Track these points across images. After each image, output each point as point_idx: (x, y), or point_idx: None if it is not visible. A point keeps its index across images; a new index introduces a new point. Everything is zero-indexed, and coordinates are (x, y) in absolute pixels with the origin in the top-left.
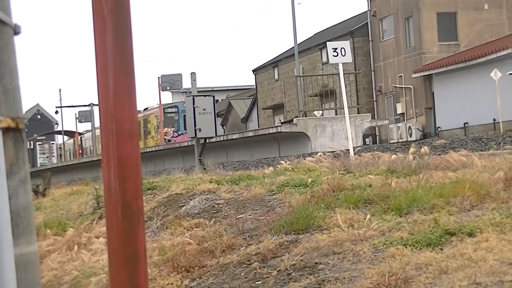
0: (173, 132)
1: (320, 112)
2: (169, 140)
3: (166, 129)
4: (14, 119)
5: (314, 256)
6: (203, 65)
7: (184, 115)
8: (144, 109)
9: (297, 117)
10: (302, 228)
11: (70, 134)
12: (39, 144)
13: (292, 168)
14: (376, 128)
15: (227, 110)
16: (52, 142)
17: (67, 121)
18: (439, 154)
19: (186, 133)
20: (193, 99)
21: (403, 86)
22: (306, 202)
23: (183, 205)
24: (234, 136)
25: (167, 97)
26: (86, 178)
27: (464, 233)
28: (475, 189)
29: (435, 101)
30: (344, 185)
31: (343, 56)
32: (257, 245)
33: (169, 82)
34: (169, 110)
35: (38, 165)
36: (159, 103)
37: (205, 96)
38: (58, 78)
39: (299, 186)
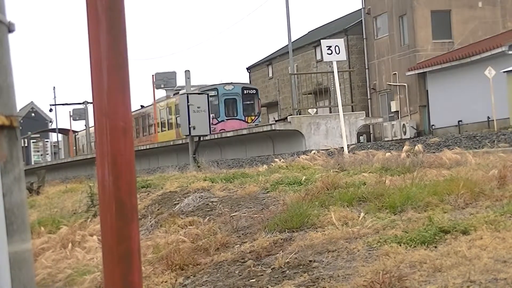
0: (213, 118)
1: (314, 110)
2: None
3: None
4: (8, 117)
5: (308, 254)
6: (197, 63)
7: (225, 99)
8: (174, 94)
9: (291, 115)
10: (296, 226)
11: (64, 132)
12: (33, 142)
13: (286, 166)
14: (370, 126)
15: None
16: (46, 140)
17: (61, 119)
18: (433, 152)
19: (227, 119)
20: (187, 97)
21: (397, 84)
22: (300, 200)
23: (177, 203)
24: (228, 134)
25: (161, 95)
26: (81, 176)
27: (458, 231)
28: (469, 187)
29: (429, 99)
30: (338, 183)
31: (337, 54)
32: (251, 243)
33: (163, 80)
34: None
35: (32, 163)
36: (153, 100)
37: (199, 94)
38: (52, 76)
39: (293, 184)
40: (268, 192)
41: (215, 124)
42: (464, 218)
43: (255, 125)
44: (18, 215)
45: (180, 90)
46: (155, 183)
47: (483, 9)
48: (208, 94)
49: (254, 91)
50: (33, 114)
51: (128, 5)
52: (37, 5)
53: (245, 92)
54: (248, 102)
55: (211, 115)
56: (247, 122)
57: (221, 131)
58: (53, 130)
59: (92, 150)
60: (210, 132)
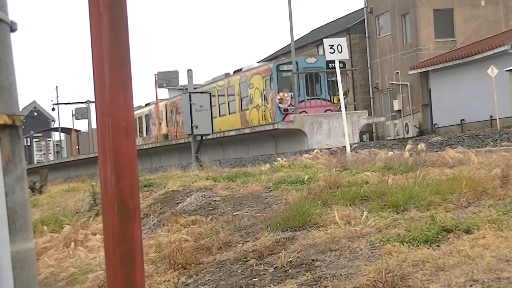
0: (291, 98)
1: None
2: (286, 110)
3: (281, 94)
4: (10, 116)
5: (310, 253)
6: (200, 62)
7: (307, 75)
8: (236, 71)
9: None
10: (298, 225)
11: (67, 131)
12: (35, 141)
13: (289, 165)
14: (373, 125)
15: None
16: (48, 139)
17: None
18: (436, 151)
19: (309, 99)
20: (190, 96)
21: (400, 83)
22: (303, 199)
23: (180, 202)
24: (231, 133)
25: (164, 94)
26: (83, 175)
27: (461, 230)
28: (472, 186)
29: (432, 98)
30: (340, 182)
31: (340, 53)
32: (253, 242)
33: (165, 79)
34: (285, 67)
35: (35, 162)
36: (156, 98)
37: (201, 93)
38: (55, 75)
39: (296, 183)
40: (270, 191)
41: (294, 105)
42: (467, 217)
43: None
44: (21, 214)
45: (243, 67)
46: (158, 182)
47: (486, 8)
48: (210, 94)
49: (341, 65)
50: (35, 113)
51: (130, 3)
52: (39, 4)
53: (330, 66)
54: (334, 79)
55: (289, 94)
56: (333, 103)
57: (301, 113)
58: (56, 129)
59: None
60: (212, 131)
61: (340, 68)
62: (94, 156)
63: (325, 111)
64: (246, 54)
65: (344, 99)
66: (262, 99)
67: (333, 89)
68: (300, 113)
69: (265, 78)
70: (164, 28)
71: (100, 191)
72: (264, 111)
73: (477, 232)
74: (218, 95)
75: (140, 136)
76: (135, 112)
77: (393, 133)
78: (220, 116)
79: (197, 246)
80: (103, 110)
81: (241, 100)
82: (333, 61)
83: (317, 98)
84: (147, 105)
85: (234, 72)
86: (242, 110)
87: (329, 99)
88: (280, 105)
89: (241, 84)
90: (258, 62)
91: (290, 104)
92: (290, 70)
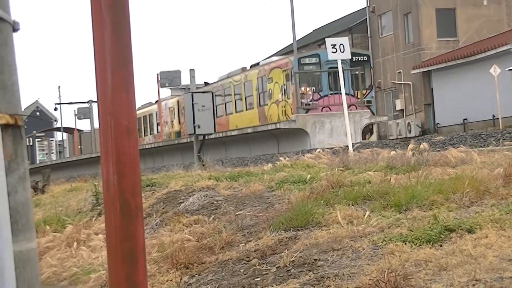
0: (313, 93)
1: None
2: (307, 105)
3: (302, 88)
4: (12, 116)
5: (313, 253)
6: (202, 61)
7: (330, 68)
8: (254, 65)
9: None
10: (301, 225)
11: (69, 130)
12: (38, 141)
13: (291, 165)
14: (375, 124)
15: None
16: (51, 139)
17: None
18: (438, 151)
19: (331, 94)
20: (192, 95)
21: (402, 82)
22: (305, 198)
23: (182, 202)
24: (233, 133)
25: (166, 94)
26: (86, 175)
27: (463, 229)
28: (475, 185)
29: (434, 97)
30: (343, 182)
31: (342, 52)
32: (256, 241)
33: (168, 79)
34: (307, 60)
35: (38, 162)
36: (158, 99)
37: (203, 92)
38: (57, 75)
39: (298, 182)
40: (273, 190)
41: (317, 100)
42: (470, 217)
43: (366, 101)
44: (23, 214)
45: (260, 62)
46: (160, 181)
47: (488, 7)
48: (213, 93)
49: (365, 58)
50: (38, 113)
51: (132, 2)
52: (41, 4)
53: (354, 59)
54: (358, 72)
55: (311, 88)
56: (357, 98)
57: (324, 109)
58: (58, 129)
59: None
60: (215, 131)
61: (364, 61)
62: (96, 155)
63: (348, 107)
64: (248, 53)
65: (368, 94)
66: (282, 94)
67: (357, 83)
68: (322, 109)
69: (285, 72)
70: (166, 28)
71: (103, 190)
72: (285, 106)
73: (480, 231)
74: (235, 90)
75: (150, 134)
76: (146, 109)
77: (395, 133)
78: (236, 112)
79: (200, 245)
80: (105, 110)
81: (259, 95)
82: (358, 54)
83: (340, 93)
84: (157, 102)
85: (251, 66)
86: (260, 106)
87: (352, 94)
88: (302, 100)
89: (260, 78)
90: (254, 62)
91: (312, 99)
92: (312, 64)
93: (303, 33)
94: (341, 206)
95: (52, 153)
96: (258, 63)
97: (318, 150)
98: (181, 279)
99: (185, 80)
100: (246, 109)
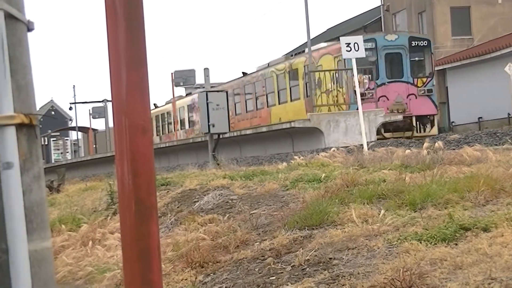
0: (370, 81)
1: None
2: (363, 94)
3: (358, 76)
4: (27, 115)
5: (328, 252)
6: (216, 60)
7: (387, 54)
8: (298, 53)
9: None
10: (316, 224)
11: (84, 130)
12: (53, 140)
13: (306, 163)
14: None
15: None
16: (66, 138)
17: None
18: (453, 149)
19: (389, 82)
20: (207, 94)
21: None
22: (320, 197)
23: (197, 201)
24: (248, 132)
25: (181, 93)
26: (100, 174)
27: (479, 228)
28: (490, 184)
29: (449, 96)
30: (358, 180)
31: (357, 51)
32: (271, 240)
33: (182, 78)
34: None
35: (53, 161)
36: (172, 96)
37: (218, 91)
38: (72, 74)
39: (313, 181)
40: (287, 189)
41: (372, 89)
42: (485, 215)
43: (426, 90)
44: (38, 213)
45: (306, 48)
46: (175, 180)
47: (503, 6)
48: (226, 92)
49: (425, 43)
50: (53, 113)
51: (146, 2)
52: (56, 4)
53: (413, 44)
54: (418, 58)
55: (366, 76)
56: (417, 86)
57: (381, 98)
58: (73, 128)
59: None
60: (229, 130)
61: (424, 45)
62: (111, 155)
63: (407, 96)
64: (262, 53)
65: (429, 82)
66: (333, 83)
67: (417, 70)
68: (379, 98)
69: (337, 59)
70: (179, 27)
71: (117, 189)
72: (337, 96)
73: (495, 230)
74: (278, 80)
75: (182, 129)
76: (178, 102)
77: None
78: (279, 103)
79: (214, 244)
80: (119, 109)
81: (306, 85)
82: (418, 39)
83: (398, 81)
84: (188, 95)
85: (295, 55)
86: (307, 96)
87: (412, 82)
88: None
89: (307, 66)
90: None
91: (368, 87)
92: (368, 49)
93: (317, 32)
94: (356, 204)
95: (67, 152)
96: (303, 51)
97: (332, 149)
98: (196, 278)
99: (199, 79)
100: (291, 100)
